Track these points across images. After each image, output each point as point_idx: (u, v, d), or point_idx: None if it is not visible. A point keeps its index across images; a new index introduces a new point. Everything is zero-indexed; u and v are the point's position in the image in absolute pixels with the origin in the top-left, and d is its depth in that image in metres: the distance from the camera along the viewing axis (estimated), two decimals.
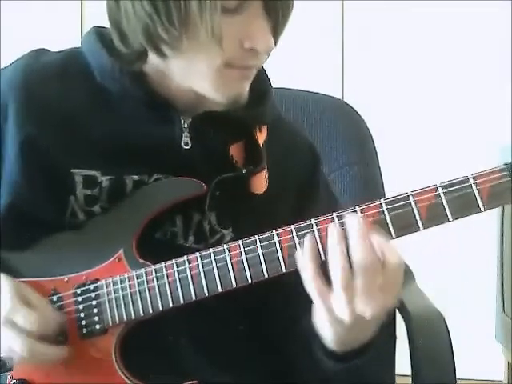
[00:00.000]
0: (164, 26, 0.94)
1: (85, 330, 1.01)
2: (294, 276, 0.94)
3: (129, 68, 1.03)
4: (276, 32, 0.99)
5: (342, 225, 0.91)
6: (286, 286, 1.01)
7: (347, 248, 0.90)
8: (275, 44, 0.99)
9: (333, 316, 0.91)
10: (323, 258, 0.92)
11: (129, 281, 1.00)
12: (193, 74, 1.00)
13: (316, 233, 0.94)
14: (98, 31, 1.08)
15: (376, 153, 1.51)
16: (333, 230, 0.91)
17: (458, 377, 1.20)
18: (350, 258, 0.89)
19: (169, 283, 0.98)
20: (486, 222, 2.58)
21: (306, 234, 0.94)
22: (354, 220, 0.91)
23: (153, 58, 1.02)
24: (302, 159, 1.16)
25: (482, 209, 0.91)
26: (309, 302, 0.94)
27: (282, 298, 1.07)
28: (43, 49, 1.12)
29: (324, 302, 0.91)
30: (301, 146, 1.17)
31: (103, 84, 1.05)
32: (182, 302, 0.98)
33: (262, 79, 1.11)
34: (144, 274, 1.00)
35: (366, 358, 0.98)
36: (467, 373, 2.57)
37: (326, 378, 1.02)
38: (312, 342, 1.01)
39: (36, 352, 0.97)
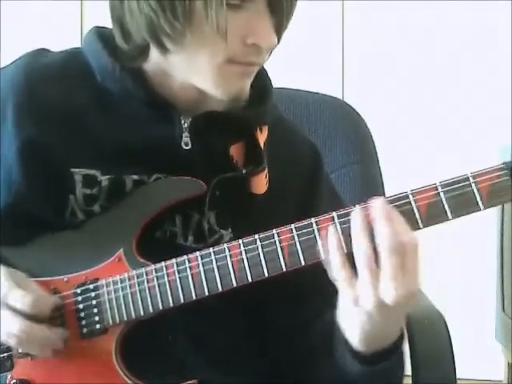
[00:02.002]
0: (168, 20, 0.94)
1: (85, 330, 1.01)
2: (309, 276, 0.94)
3: (129, 66, 1.03)
4: (279, 29, 0.99)
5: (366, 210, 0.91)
6: (299, 286, 1.01)
7: (371, 232, 0.90)
8: (278, 41, 0.99)
9: (359, 308, 0.90)
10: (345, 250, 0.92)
11: (129, 280, 1.00)
12: (194, 69, 1.00)
13: (316, 232, 0.94)
14: (99, 31, 1.08)
15: (376, 153, 1.51)
16: (357, 214, 0.91)
17: (458, 377, 1.20)
18: (373, 242, 0.89)
19: (169, 282, 0.98)
20: (486, 221, 2.58)
21: (306, 233, 0.94)
22: (379, 203, 0.91)
23: (154, 54, 1.02)
24: (303, 160, 1.16)
25: (482, 207, 0.91)
26: (325, 301, 0.94)
27: (294, 297, 1.07)
28: (44, 49, 1.12)
29: (351, 289, 0.90)
30: (302, 147, 1.17)
31: (104, 84, 1.05)
32: (182, 301, 0.98)
33: (262, 79, 1.10)
34: (144, 274, 0.99)
35: (394, 360, 0.97)
36: (467, 373, 2.57)
37: (346, 379, 1.00)
38: (334, 342, 1.00)
39: (33, 334, 0.97)
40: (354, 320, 0.93)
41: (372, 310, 0.90)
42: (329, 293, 0.93)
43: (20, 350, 1.00)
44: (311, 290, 1.06)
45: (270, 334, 1.10)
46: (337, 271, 0.90)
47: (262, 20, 0.96)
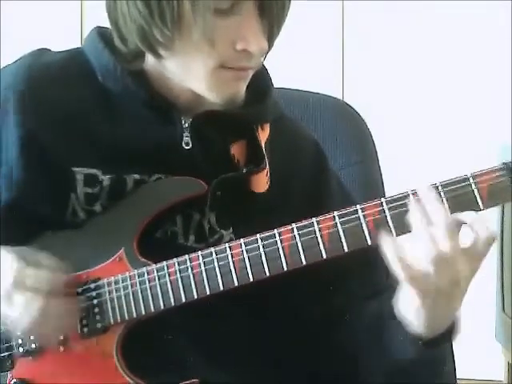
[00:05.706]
0: (158, 27, 0.95)
1: (86, 329, 1.01)
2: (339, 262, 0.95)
3: (130, 67, 1.04)
4: (271, 34, 0.98)
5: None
6: (326, 274, 1.01)
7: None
8: (270, 46, 0.99)
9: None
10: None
11: (130, 279, 1.00)
12: (188, 74, 1.00)
13: (317, 232, 0.94)
14: (101, 31, 1.08)
15: (376, 153, 1.50)
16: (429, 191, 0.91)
17: (458, 377, 1.20)
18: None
19: (170, 282, 0.99)
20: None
21: (307, 232, 0.94)
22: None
23: (150, 58, 1.02)
24: (307, 158, 1.15)
25: (482, 207, 0.92)
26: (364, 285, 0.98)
27: (323, 286, 1.07)
28: (45, 48, 1.12)
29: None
30: (305, 145, 1.17)
31: (105, 84, 1.05)
32: (183, 300, 0.99)
33: (262, 77, 1.10)
34: (145, 273, 1.00)
35: (445, 347, 1.00)
36: (467, 373, 2.56)
37: (397, 366, 1.01)
38: (385, 329, 1.00)
39: (49, 308, 0.96)
40: (415, 303, 0.93)
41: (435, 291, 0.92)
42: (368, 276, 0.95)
43: (31, 337, 1.00)
44: (343, 276, 1.06)
45: (295, 330, 1.09)
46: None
47: (252, 25, 0.96)
